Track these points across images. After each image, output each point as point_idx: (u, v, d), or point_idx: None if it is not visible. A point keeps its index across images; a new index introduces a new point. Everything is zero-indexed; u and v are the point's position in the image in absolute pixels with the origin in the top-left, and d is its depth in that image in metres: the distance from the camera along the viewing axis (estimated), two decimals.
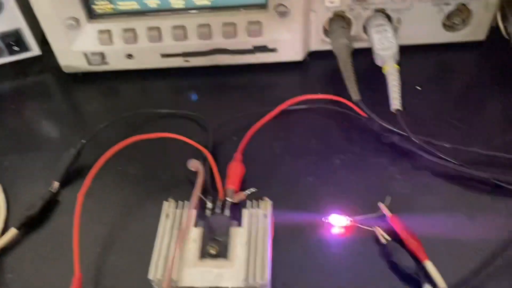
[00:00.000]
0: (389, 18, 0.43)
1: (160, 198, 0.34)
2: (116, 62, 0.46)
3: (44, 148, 0.42)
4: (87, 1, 0.42)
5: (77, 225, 0.32)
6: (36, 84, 0.48)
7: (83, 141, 0.39)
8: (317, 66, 0.46)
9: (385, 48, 0.41)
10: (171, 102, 0.45)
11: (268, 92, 0.45)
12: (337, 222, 0.34)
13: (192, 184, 0.35)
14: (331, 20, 0.43)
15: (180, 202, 0.33)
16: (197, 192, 0.29)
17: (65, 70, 0.47)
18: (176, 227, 0.32)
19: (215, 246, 0.31)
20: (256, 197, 0.34)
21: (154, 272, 0.30)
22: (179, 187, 0.36)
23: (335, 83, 0.43)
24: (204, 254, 0.31)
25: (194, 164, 0.31)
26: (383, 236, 0.32)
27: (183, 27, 0.43)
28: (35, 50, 0.48)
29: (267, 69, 0.46)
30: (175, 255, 0.29)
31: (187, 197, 0.34)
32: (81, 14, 0.42)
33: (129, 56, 0.45)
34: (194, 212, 0.33)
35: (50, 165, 0.39)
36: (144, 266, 0.31)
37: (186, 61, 0.45)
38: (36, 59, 0.49)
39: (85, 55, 0.45)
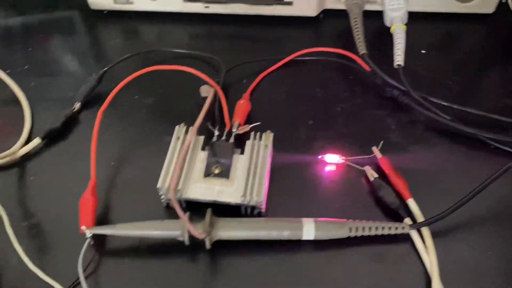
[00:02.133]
0: None
1: (171, 125, 0.37)
2: (140, 3, 0.48)
3: (67, 75, 0.45)
4: None
5: (96, 134, 0.35)
6: (63, 18, 0.51)
7: (105, 68, 0.42)
8: (329, 24, 0.49)
9: (395, 9, 0.43)
10: (187, 46, 0.47)
11: (280, 44, 0.47)
12: (331, 160, 0.37)
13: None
14: None
15: (190, 128, 0.36)
16: (205, 109, 0.32)
17: (92, 6, 0.49)
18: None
19: (219, 166, 0.34)
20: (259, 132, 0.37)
21: (163, 182, 0.33)
22: (190, 117, 0.38)
23: (345, 40, 0.45)
24: (208, 173, 0.34)
25: (205, 88, 0.34)
26: (372, 175, 0.35)
27: None
28: None
29: (281, 22, 0.48)
30: (181, 161, 0.32)
31: None
32: None
33: None
34: (198, 138, 0.36)
35: (72, 90, 0.42)
36: (152, 179, 0.34)
37: (206, 7, 0.48)
38: None
39: None
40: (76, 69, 0.45)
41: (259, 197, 0.32)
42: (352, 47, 0.43)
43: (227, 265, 0.32)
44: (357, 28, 0.42)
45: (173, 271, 0.32)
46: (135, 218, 0.33)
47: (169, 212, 0.34)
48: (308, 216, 0.33)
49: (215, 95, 0.39)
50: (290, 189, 0.36)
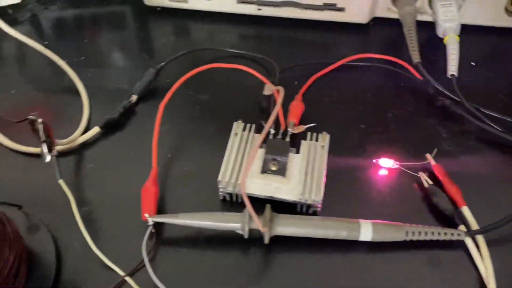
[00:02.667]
0: None
1: (225, 121, 0.38)
2: (195, 2, 0.49)
3: (121, 68, 0.46)
4: None
5: (158, 125, 0.36)
6: (117, 12, 0.52)
7: (162, 63, 0.43)
8: (379, 32, 0.49)
9: (448, 20, 0.43)
10: (238, 46, 0.48)
11: (329, 48, 0.48)
12: (386, 164, 0.37)
13: (254, 113, 0.39)
14: None
15: (247, 125, 0.37)
16: (278, 107, 0.32)
17: (146, 2, 0.51)
18: (243, 144, 0.36)
19: (276, 164, 0.35)
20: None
21: (223, 176, 0.34)
22: (243, 114, 0.39)
23: (394, 48, 0.46)
24: (265, 170, 0.35)
25: (271, 88, 0.34)
26: (427, 181, 0.35)
27: None
28: None
29: (331, 27, 0.49)
30: (251, 158, 0.32)
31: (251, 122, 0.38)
32: None
33: None
34: (254, 136, 0.37)
35: (126, 82, 0.43)
36: (206, 173, 0.35)
37: (259, 9, 0.49)
38: None
39: None
40: (129, 63, 0.47)
41: (317, 196, 0.33)
42: (401, 55, 0.44)
43: (281, 260, 0.32)
44: (411, 36, 0.43)
45: (229, 263, 0.32)
46: (190, 210, 0.33)
47: (224, 205, 0.35)
48: (360, 217, 0.33)
49: (272, 95, 0.40)
50: (343, 190, 0.36)
